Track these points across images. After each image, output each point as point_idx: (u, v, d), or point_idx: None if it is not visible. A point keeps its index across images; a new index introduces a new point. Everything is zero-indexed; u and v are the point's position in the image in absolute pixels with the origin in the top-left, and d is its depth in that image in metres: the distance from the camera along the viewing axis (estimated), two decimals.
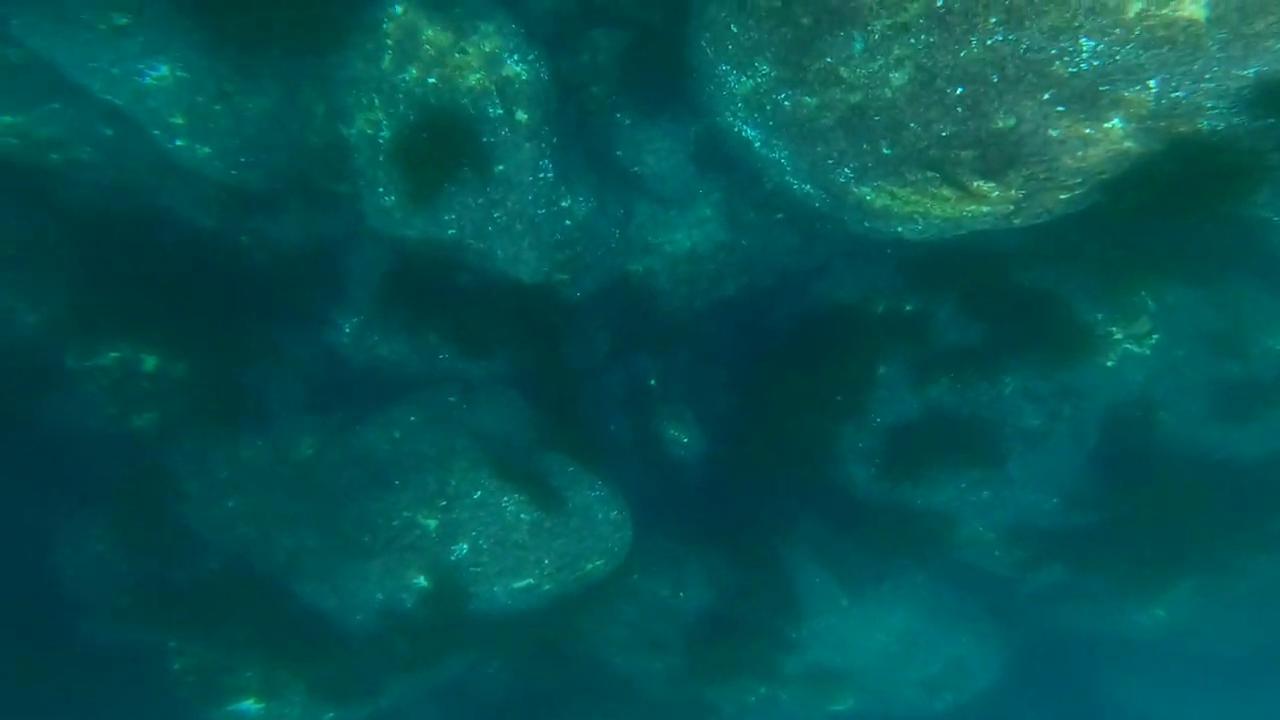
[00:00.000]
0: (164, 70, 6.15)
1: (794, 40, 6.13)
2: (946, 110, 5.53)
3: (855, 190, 6.83)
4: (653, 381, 9.34)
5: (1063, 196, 6.12)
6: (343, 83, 6.57)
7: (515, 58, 6.40)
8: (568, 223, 7.41)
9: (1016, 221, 6.51)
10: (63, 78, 6.17)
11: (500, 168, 6.73)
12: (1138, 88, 5.14)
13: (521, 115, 6.63)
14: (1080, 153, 5.64)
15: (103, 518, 6.97)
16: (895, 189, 6.53)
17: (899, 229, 7.13)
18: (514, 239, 7.15)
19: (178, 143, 6.40)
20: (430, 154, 6.63)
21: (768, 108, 6.74)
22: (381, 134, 6.50)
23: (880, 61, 5.80)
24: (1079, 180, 5.91)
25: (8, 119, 6.34)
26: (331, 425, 7.52)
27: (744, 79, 6.65)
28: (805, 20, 5.94)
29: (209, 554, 6.87)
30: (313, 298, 7.87)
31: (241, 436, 7.12)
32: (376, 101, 6.47)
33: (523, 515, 6.88)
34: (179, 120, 6.35)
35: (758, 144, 7.15)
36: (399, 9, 6.17)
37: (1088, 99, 5.31)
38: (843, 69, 6.03)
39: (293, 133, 6.90)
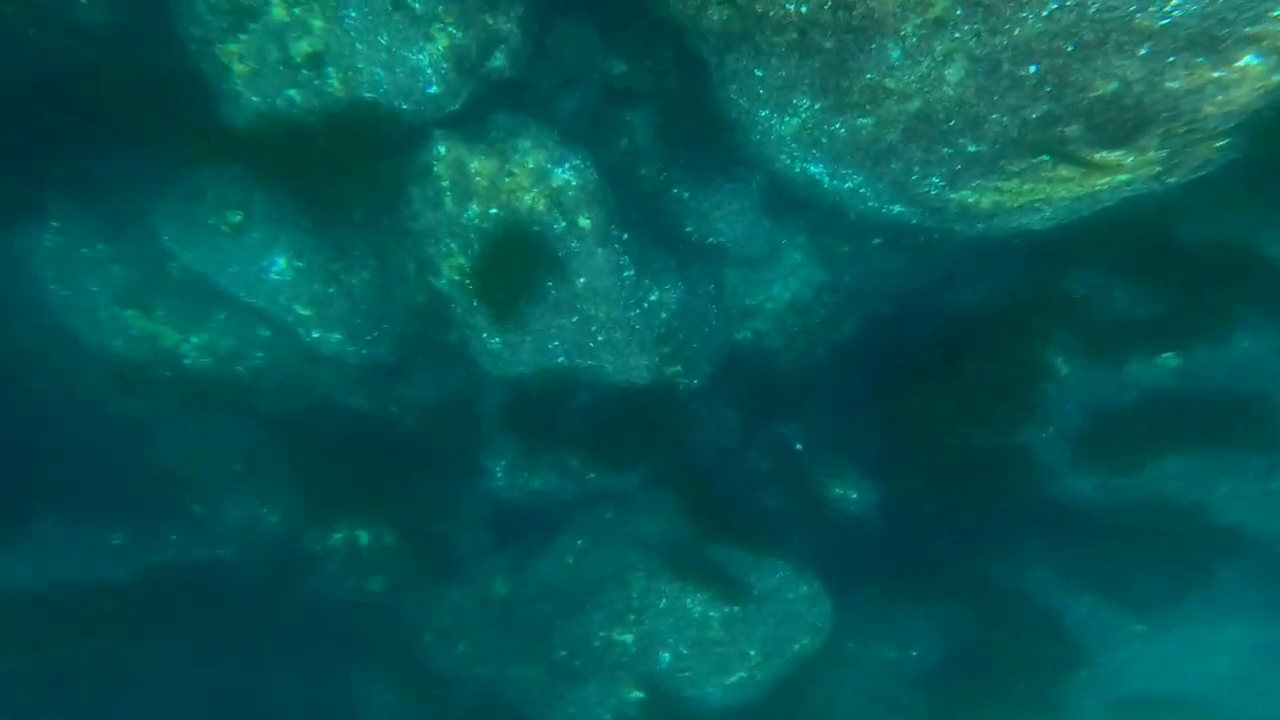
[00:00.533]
0: (281, 263, 6.63)
1: (824, 67, 5.58)
2: (1028, 92, 5.00)
3: (952, 197, 6.14)
4: (798, 445, 8.70)
5: (1219, 144, 5.21)
6: (420, 235, 6.81)
7: (560, 166, 6.31)
8: (663, 315, 7.14)
9: (1171, 180, 5.58)
10: (215, 286, 6.69)
11: (582, 280, 6.62)
12: (1268, 21, 4.31)
13: (584, 221, 6.50)
14: (1220, 97, 4.74)
15: (380, 670, 8.02)
16: (1000, 184, 5.84)
17: (1021, 222, 6.23)
18: (618, 348, 6.98)
19: (314, 334, 6.87)
20: (514, 285, 6.67)
21: (823, 140, 6.17)
22: (466, 277, 6.62)
23: (926, 63, 5.16)
24: (1231, 125, 4.99)
25: (194, 339, 7.17)
26: (514, 562, 7.91)
27: (787, 119, 6.14)
28: (828, 44, 5.41)
29: (462, 692, 7.65)
30: (463, 449, 8.29)
31: (450, 586, 7.77)
32: (453, 246, 6.62)
33: (711, 613, 6.83)
34: (306, 311, 6.79)
35: (825, 179, 6.54)
36: (442, 148, 6.28)
37: (1202, 44, 4.50)
38: (888, 81, 5.40)
39: (398, 297, 7.25)
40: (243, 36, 5.35)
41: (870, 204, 6.66)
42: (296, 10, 5.28)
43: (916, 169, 6.02)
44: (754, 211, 7.39)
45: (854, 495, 8.42)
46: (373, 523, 8.03)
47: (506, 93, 6.61)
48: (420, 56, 5.69)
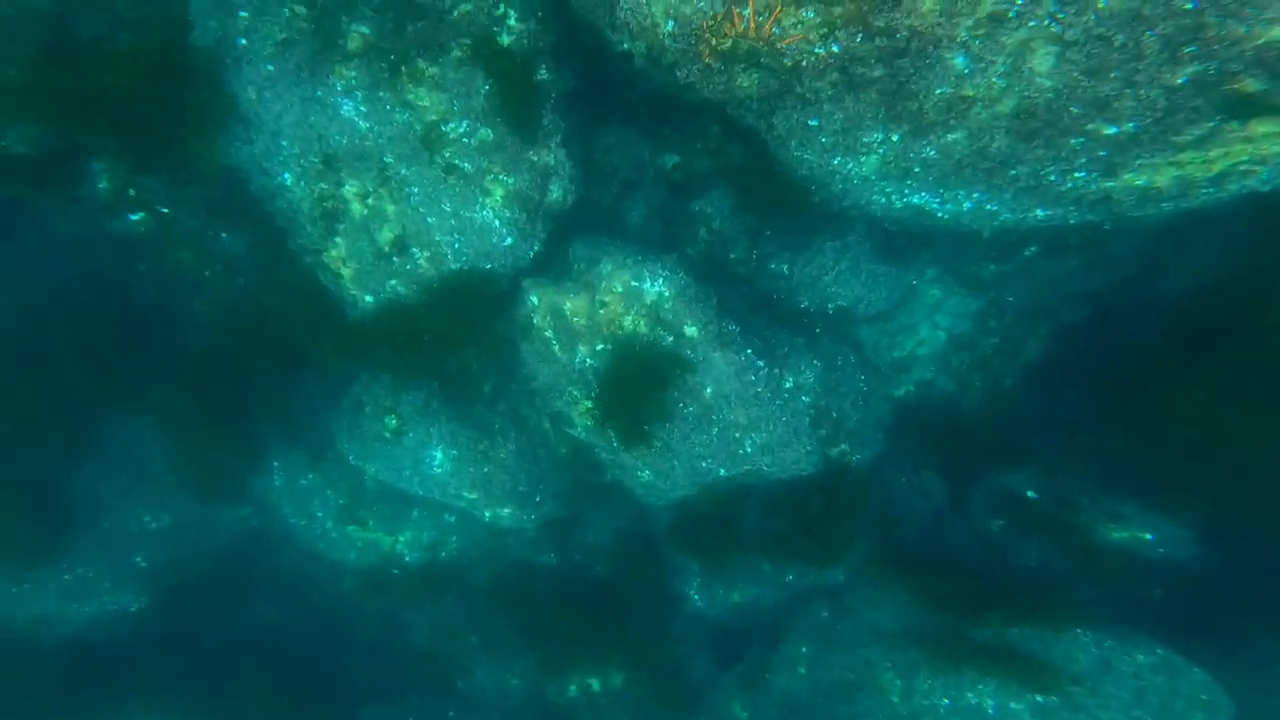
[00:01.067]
0: (439, 455, 7.02)
1: (884, 96, 4.87)
2: (1158, 59, 4.30)
3: (1112, 184, 5.22)
4: (1030, 493, 7.42)
5: None
6: (544, 392, 6.88)
7: (647, 280, 6.06)
8: (806, 398, 6.54)
9: None
10: (399, 489, 7.22)
11: (709, 389, 6.25)
12: None
13: (691, 329, 6.16)
14: None
15: None
16: (1175, 158, 4.89)
17: (1232, 190, 5.08)
18: (771, 448, 6.48)
19: (486, 514, 7.10)
20: (644, 415, 6.46)
21: (915, 169, 5.31)
22: (598, 420, 6.55)
23: (1001, 61, 4.43)
24: None
25: (402, 538, 7.91)
26: (745, 681, 7.68)
27: (864, 159, 5.40)
28: (878, 74, 4.70)
29: None
30: (653, 578, 8.27)
31: (691, 717, 7.75)
32: (576, 393, 6.59)
33: (1014, 705, 5.92)
34: (473, 495, 7.01)
35: (936, 207, 5.61)
36: (534, 297, 6.34)
37: None
38: (965, 89, 4.60)
39: (545, 456, 7.28)
40: (339, 240, 5.79)
41: (1005, 216, 5.62)
42: (370, 201, 5.64)
43: (1049, 167, 5.03)
44: (868, 261, 6.53)
45: (1148, 536, 6.86)
46: (599, 668, 8.24)
47: (575, 220, 6.53)
48: (484, 213, 5.82)
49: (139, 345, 7.27)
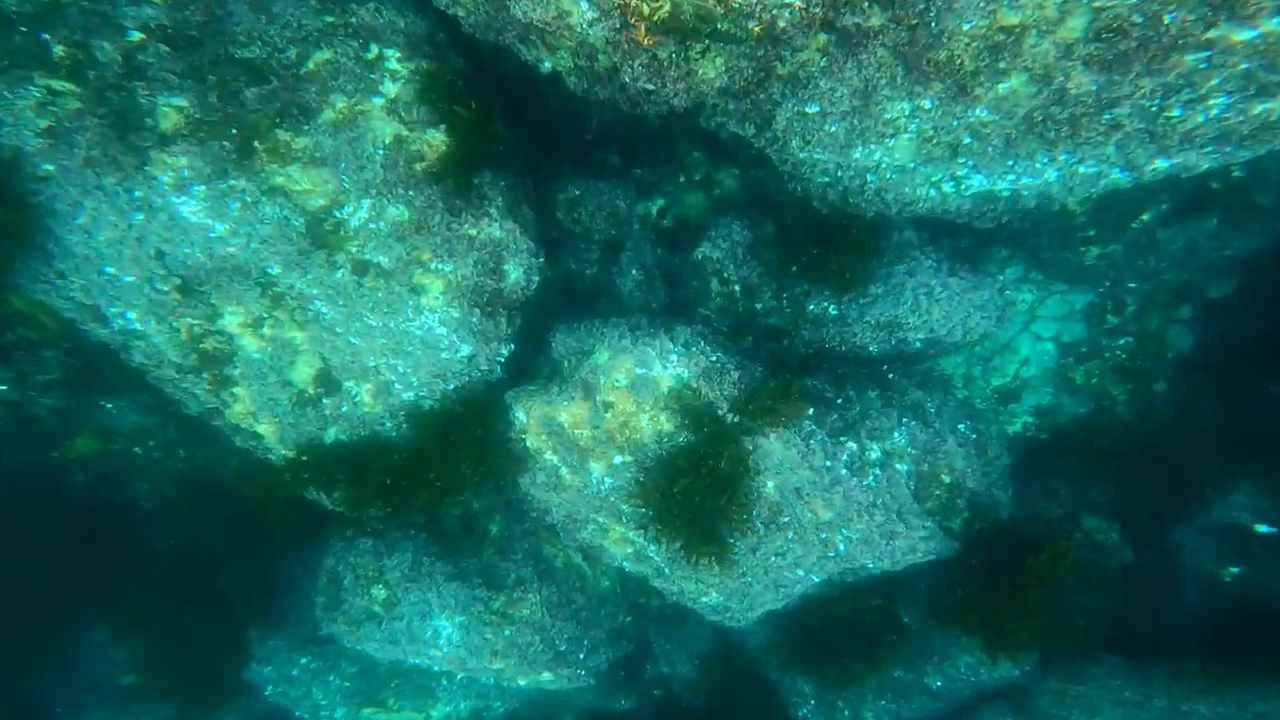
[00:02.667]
0: (445, 627, 5.64)
1: (895, 51, 3.68)
2: None
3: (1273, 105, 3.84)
4: (1262, 527, 5.78)
5: None
6: (564, 525, 5.63)
7: (657, 364, 4.91)
8: (901, 466, 5.23)
9: None
10: (411, 664, 6.39)
11: (770, 484, 4.98)
12: None
13: (729, 416, 4.94)
14: None
15: None
16: None
17: None
18: (875, 539, 5.09)
19: (521, 683, 6.16)
20: (698, 534, 5.15)
21: (966, 140, 4.09)
22: (641, 544, 5.32)
23: None
24: None
25: (435, 713, 7.00)
26: None
27: (893, 142, 4.29)
28: (876, 19, 3.59)
29: None
30: (764, 707, 6.86)
31: None
32: (604, 520, 5.33)
33: None
34: (499, 665, 6.00)
35: (1009, 186, 4.31)
36: (521, 414, 5.21)
37: None
38: (1005, 15, 3.42)
39: (584, 596, 6.16)
40: (238, 391, 4.80)
41: (1115, 177, 4.24)
42: (267, 330, 4.63)
43: (1167, 100, 3.73)
44: (931, 276, 5.17)
45: None
46: None
47: (551, 303, 5.45)
48: (423, 319, 4.76)
49: (90, 543, 6.53)
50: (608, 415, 4.95)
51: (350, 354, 4.71)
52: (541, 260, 5.09)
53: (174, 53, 4.26)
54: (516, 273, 4.96)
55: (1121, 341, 5.87)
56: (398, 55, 4.61)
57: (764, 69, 4.02)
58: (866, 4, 3.62)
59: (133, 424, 5.79)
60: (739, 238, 5.48)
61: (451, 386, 4.98)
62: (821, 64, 3.97)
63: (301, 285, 4.44)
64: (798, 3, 3.54)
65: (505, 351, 5.11)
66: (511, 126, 4.95)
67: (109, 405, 5.60)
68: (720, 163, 5.62)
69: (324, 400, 4.78)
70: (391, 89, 4.55)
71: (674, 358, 4.88)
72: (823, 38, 3.83)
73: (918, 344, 5.38)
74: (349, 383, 4.81)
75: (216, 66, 4.27)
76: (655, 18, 3.37)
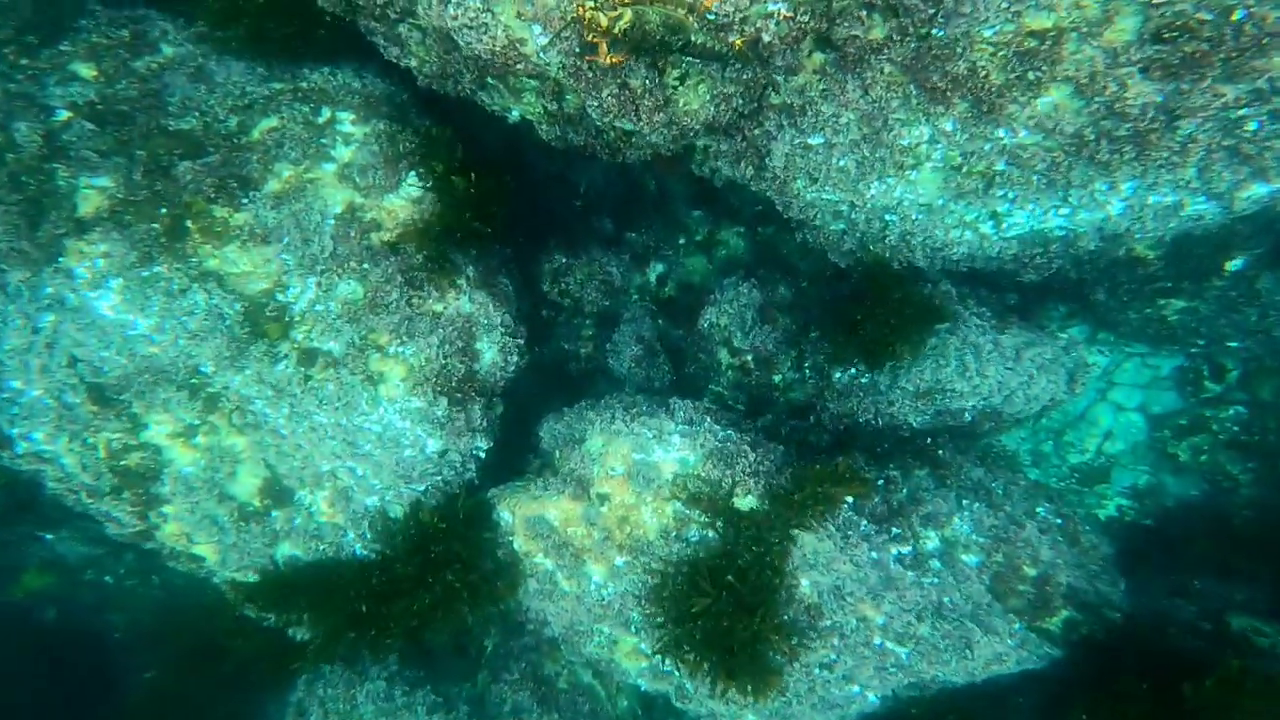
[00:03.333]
0: None
1: (903, 65, 3.14)
2: None
3: None
4: None
5: None
6: (567, 638, 4.88)
7: (658, 449, 4.34)
8: (970, 559, 4.52)
9: None
10: None
11: (805, 583, 4.29)
12: None
13: (748, 501, 4.42)
14: None
15: None
16: None
17: None
18: (946, 647, 4.33)
19: None
20: (724, 644, 4.36)
21: (1000, 167, 3.48)
22: (655, 661, 4.51)
23: None
24: None
25: None
26: None
27: (914, 174, 3.66)
28: (878, 30, 3.02)
29: None
30: None
31: None
32: (608, 630, 4.67)
33: None
34: None
35: (1063, 221, 3.68)
36: (506, 514, 4.58)
37: None
38: (1034, 18, 2.78)
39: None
40: (167, 510, 4.19)
41: (1197, 208, 3.59)
42: (201, 439, 4.05)
43: (1256, 109, 3.19)
44: (978, 332, 4.47)
45: None
46: None
47: (543, 389, 4.89)
48: (381, 413, 4.18)
49: (65, 676, 6.03)
50: (604, 509, 4.31)
51: (300, 458, 4.15)
52: (522, 338, 4.54)
53: (100, 130, 3.94)
54: (491, 352, 4.41)
55: (1230, 412, 5.04)
56: (352, 118, 4.24)
57: (755, 96, 3.51)
58: (864, 13, 3.11)
59: (80, 554, 5.31)
60: (747, 299, 4.89)
61: (423, 488, 4.38)
62: (820, 87, 3.45)
63: (239, 384, 3.93)
64: (783, 10, 3.04)
65: (483, 444, 4.52)
66: (489, 191, 4.50)
67: (48, 537, 5.13)
68: (722, 221, 5.11)
69: (273, 513, 4.20)
70: (345, 153, 4.15)
71: (676, 439, 4.26)
72: (819, 57, 3.32)
73: (968, 415, 4.64)
74: (301, 491, 4.23)
75: (148, 141, 3.92)
76: (616, 30, 2.90)
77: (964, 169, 3.59)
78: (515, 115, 4.00)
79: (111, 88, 4.04)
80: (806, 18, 3.09)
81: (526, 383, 5.19)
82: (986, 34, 3.11)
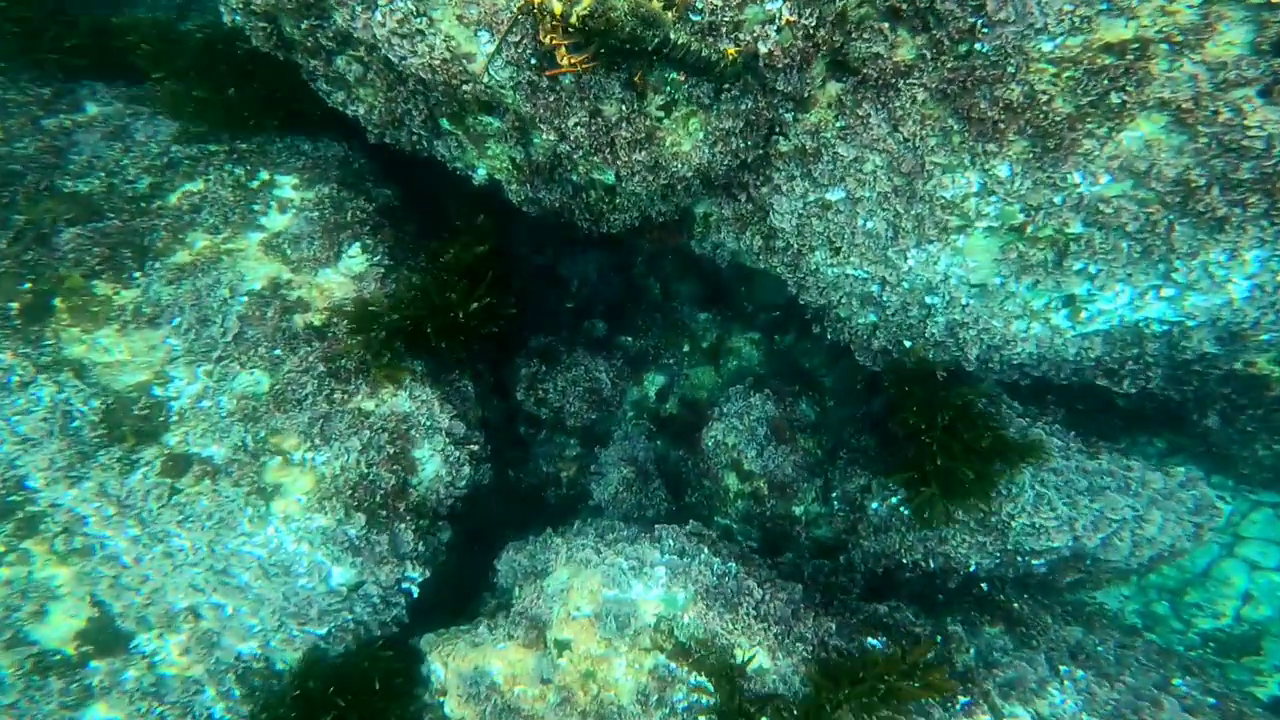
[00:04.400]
0: None
1: (937, 91, 2.51)
2: None
3: None
4: None
5: None
6: None
7: (637, 581, 3.43)
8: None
9: None
10: None
11: None
12: None
13: (760, 659, 3.41)
14: None
15: None
16: None
17: None
18: None
19: None
20: None
21: (1076, 227, 2.82)
22: None
23: None
24: None
25: None
26: None
27: (963, 242, 2.96)
28: (905, 50, 2.39)
29: None
30: None
31: None
32: None
33: None
34: None
35: (1155, 310, 2.90)
36: (437, 668, 3.58)
37: None
38: (1104, 24, 2.11)
39: None
40: None
41: None
42: (6, 568, 3.18)
43: None
44: (1065, 460, 3.53)
45: None
46: None
47: (506, 516, 4.08)
48: (271, 534, 3.29)
49: None
50: (563, 662, 3.37)
51: (147, 593, 3.27)
52: (477, 446, 3.77)
53: None
54: (434, 464, 3.62)
55: None
56: (294, 182, 3.76)
57: (759, 136, 2.89)
58: (887, 25, 2.52)
59: None
60: (760, 413, 4.08)
61: (324, 630, 3.47)
62: (838, 126, 2.82)
63: (70, 500, 3.17)
64: (785, 13, 2.46)
65: (415, 575, 3.63)
66: (457, 281, 3.90)
67: None
68: (733, 326, 4.43)
69: (91, 664, 3.27)
70: (278, 221, 3.62)
71: (661, 572, 3.39)
72: (834, 88, 2.72)
73: (1047, 561, 3.62)
74: (143, 635, 3.33)
75: (32, 203, 3.44)
76: (574, 18, 2.34)
77: (1028, 232, 2.85)
78: (481, 174, 3.46)
79: (8, 146, 3.64)
80: (813, 22, 2.50)
81: (496, 512, 4.37)
82: (1045, 48, 2.48)
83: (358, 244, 3.66)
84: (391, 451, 3.46)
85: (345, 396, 3.44)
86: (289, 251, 3.57)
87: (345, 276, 3.58)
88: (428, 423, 3.56)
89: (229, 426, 3.25)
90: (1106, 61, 2.47)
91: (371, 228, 3.76)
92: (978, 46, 2.51)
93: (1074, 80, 2.50)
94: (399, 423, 3.51)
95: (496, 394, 4.37)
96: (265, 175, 3.75)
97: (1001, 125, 2.62)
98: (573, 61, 2.50)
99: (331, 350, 3.46)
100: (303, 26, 3.05)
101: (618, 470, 4.24)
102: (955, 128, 2.69)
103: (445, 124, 3.26)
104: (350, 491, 3.34)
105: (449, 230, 3.91)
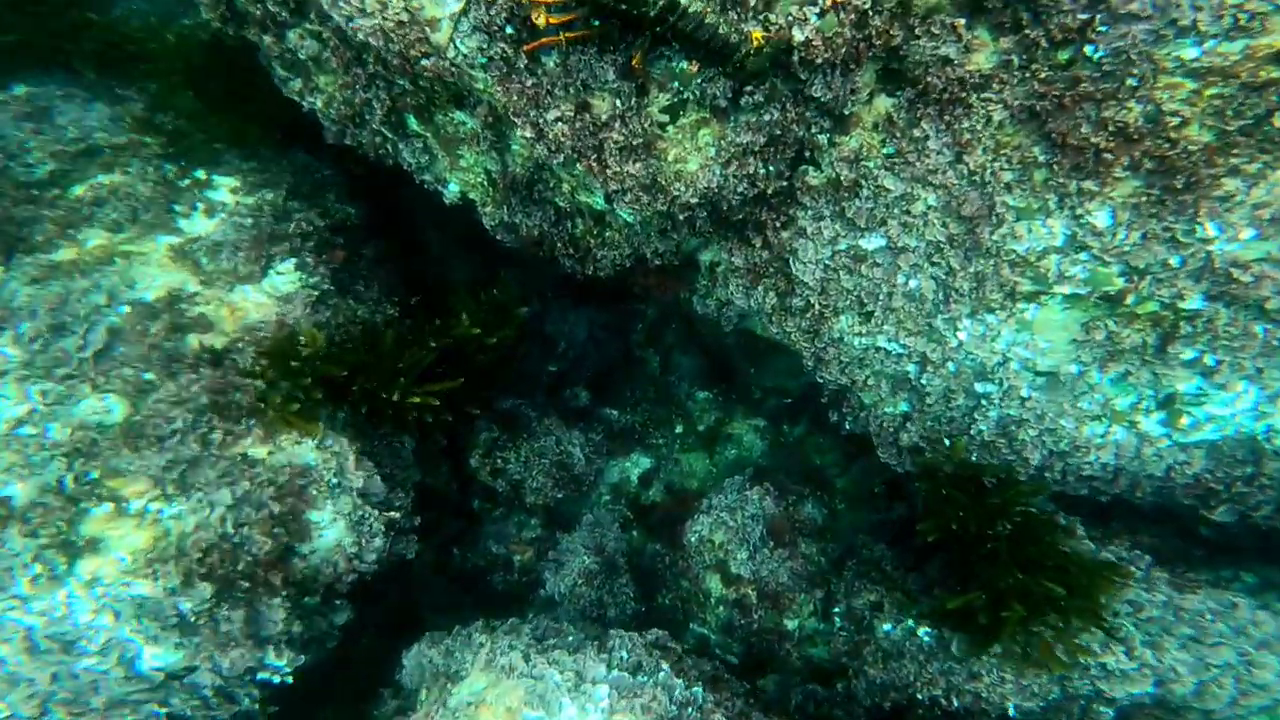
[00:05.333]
0: None
1: (1031, 107, 1.66)
2: None
3: None
4: None
5: None
6: None
7: (569, 698, 2.48)
8: None
9: None
10: None
11: None
12: None
13: None
14: None
15: None
16: None
17: None
18: None
19: None
20: None
21: (1194, 301, 2.04)
22: None
23: None
24: None
25: None
26: None
27: (1027, 307, 2.17)
28: (988, 58, 1.62)
29: None
30: None
31: None
32: None
33: None
34: None
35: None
36: None
37: None
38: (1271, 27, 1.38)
39: None
40: None
41: None
42: None
43: None
44: (1146, 592, 2.65)
45: None
46: None
47: (440, 600, 3.24)
48: (60, 599, 2.32)
49: None
50: None
51: None
52: (400, 514, 2.90)
53: None
54: (336, 530, 2.73)
55: None
56: (233, 184, 3.04)
57: (785, 158, 2.15)
58: (963, 22, 1.82)
59: None
60: (756, 509, 3.21)
61: None
62: (885, 152, 2.08)
63: None
64: None
65: (277, 664, 2.68)
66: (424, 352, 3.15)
67: None
68: (737, 410, 3.63)
69: None
70: (199, 226, 2.88)
71: (603, 692, 2.51)
72: (884, 103, 2.00)
73: (1112, 712, 2.68)
74: None
75: None
76: None
77: (1126, 304, 2.07)
78: (453, 191, 2.74)
79: None
80: (867, 4, 1.79)
81: (434, 595, 3.49)
82: (1187, 54, 1.75)
83: (292, 260, 2.90)
84: (276, 511, 2.58)
85: (227, 439, 2.59)
86: (204, 261, 2.81)
87: (268, 296, 2.80)
88: (334, 480, 2.70)
89: (46, 461, 2.40)
90: (1273, 75, 1.74)
91: (317, 244, 3.01)
92: (1087, 51, 1.79)
93: (1220, 99, 1.77)
94: (295, 477, 2.65)
95: (451, 457, 3.54)
96: (201, 174, 3.03)
97: (1108, 157, 1.87)
98: (554, 23, 1.79)
99: (223, 383, 2.64)
100: None
101: (580, 559, 3.36)
102: (1040, 159, 1.95)
103: (412, 123, 2.55)
104: (200, 555, 2.44)
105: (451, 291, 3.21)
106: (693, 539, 3.27)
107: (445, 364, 2.92)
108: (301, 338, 2.67)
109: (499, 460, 3.44)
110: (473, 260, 4.15)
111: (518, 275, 4.09)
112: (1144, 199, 1.90)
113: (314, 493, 2.62)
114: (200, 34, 3.36)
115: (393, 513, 2.79)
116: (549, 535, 3.58)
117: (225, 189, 3.03)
